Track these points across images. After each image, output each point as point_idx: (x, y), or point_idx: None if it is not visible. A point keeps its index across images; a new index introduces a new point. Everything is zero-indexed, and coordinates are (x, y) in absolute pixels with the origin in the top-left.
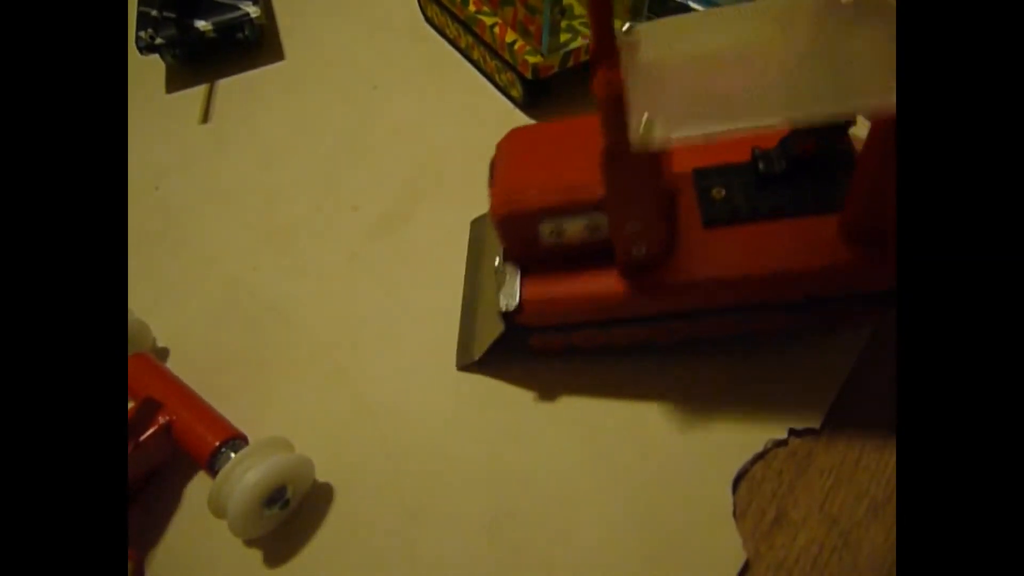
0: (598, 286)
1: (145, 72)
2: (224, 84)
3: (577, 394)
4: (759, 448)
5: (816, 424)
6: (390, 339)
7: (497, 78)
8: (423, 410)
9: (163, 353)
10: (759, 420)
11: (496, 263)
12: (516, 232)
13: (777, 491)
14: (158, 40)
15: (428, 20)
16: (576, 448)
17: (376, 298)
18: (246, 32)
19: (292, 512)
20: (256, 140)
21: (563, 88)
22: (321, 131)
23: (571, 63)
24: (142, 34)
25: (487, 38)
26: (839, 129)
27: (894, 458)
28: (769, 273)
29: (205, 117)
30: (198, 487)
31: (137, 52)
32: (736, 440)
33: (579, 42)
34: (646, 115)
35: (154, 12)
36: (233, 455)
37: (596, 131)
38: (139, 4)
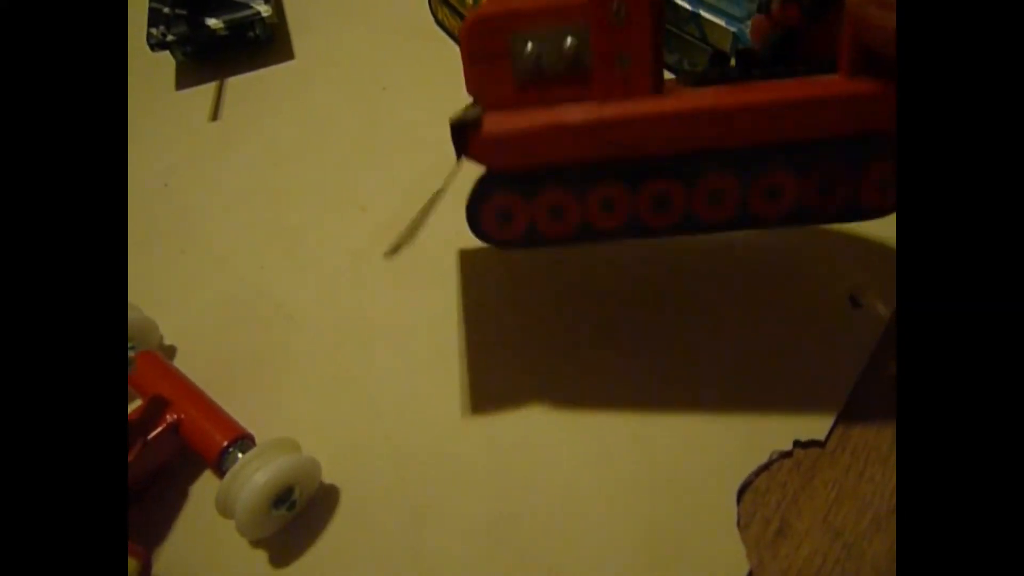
0: (573, 110)
1: (155, 68)
2: (234, 82)
3: (581, 401)
4: (764, 459)
5: (821, 436)
6: (397, 340)
7: None
8: (429, 412)
9: (170, 351)
10: (764, 431)
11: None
12: (486, 51)
13: (781, 502)
14: (169, 37)
15: (439, 22)
16: (580, 453)
17: (383, 299)
18: (257, 31)
19: (299, 513)
20: (265, 139)
21: None
22: (330, 131)
23: None
24: (153, 31)
25: None
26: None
27: (891, 462)
28: (767, 101)
29: (215, 115)
30: (205, 486)
31: (148, 48)
32: (741, 451)
33: None
34: None
35: (166, 9)
36: (241, 455)
37: None
38: (151, 0)
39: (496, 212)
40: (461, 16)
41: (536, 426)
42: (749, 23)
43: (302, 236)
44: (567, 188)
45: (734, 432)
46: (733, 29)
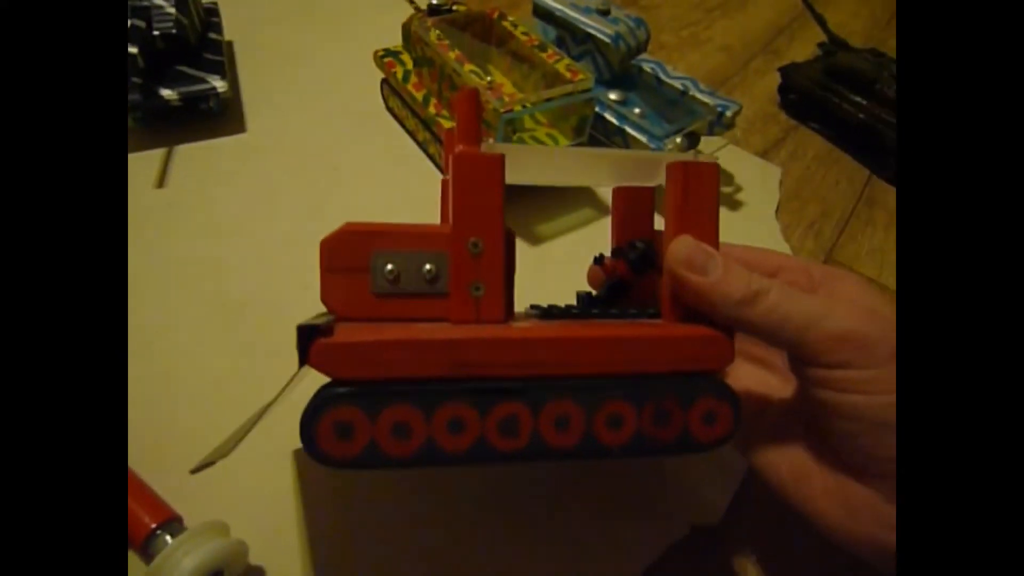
0: (427, 327)
1: None
2: (183, 150)
3: (492, 484)
4: (669, 541)
5: (715, 519)
6: None
7: None
8: (360, 494)
9: None
10: (664, 516)
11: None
12: (345, 265)
13: None
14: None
15: (389, 109)
16: (501, 533)
17: (320, 381)
18: (211, 104)
19: None
20: (211, 210)
21: (507, 194)
22: (277, 207)
23: None
24: None
25: (444, 139)
26: (647, 259)
27: (791, 544)
28: (603, 336)
29: (161, 182)
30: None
31: None
32: (643, 536)
33: None
34: (491, 140)
35: None
36: (169, 538)
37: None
38: None
39: (335, 426)
40: (411, 110)
41: (457, 511)
42: (667, 143)
43: (242, 312)
44: (414, 404)
45: (636, 518)
46: (653, 146)
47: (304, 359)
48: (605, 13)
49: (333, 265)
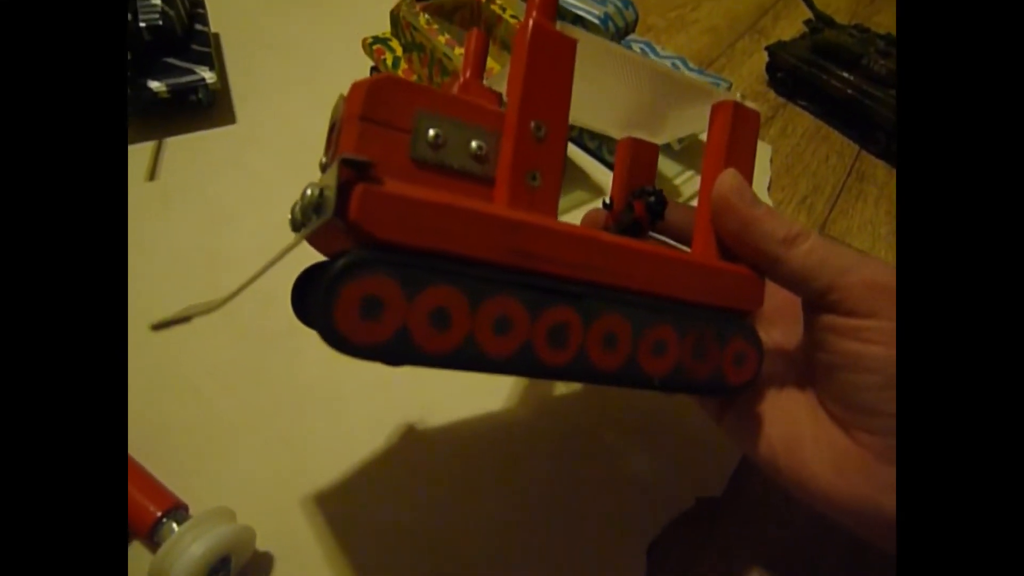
0: (479, 202)
1: None
2: (173, 142)
3: (495, 464)
4: (671, 515)
5: (718, 492)
6: (333, 409)
7: None
8: (363, 478)
9: None
10: (666, 491)
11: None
12: (384, 118)
13: (685, 556)
14: None
15: None
16: (506, 513)
17: (319, 368)
18: (199, 95)
19: None
20: (203, 202)
21: None
22: (269, 199)
23: None
24: None
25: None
26: (662, 204)
27: (790, 516)
28: (666, 253)
29: (152, 174)
30: (132, 556)
31: None
32: (650, 508)
33: None
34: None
35: None
36: (176, 525)
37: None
38: None
39: (363, 300)
40: None
41: (458, 488)
42: None
43: (237, 303)
44: (462, 288)
45: (643, 491)
46: None
47: (342, 209)
48: None
49: (371, 114)
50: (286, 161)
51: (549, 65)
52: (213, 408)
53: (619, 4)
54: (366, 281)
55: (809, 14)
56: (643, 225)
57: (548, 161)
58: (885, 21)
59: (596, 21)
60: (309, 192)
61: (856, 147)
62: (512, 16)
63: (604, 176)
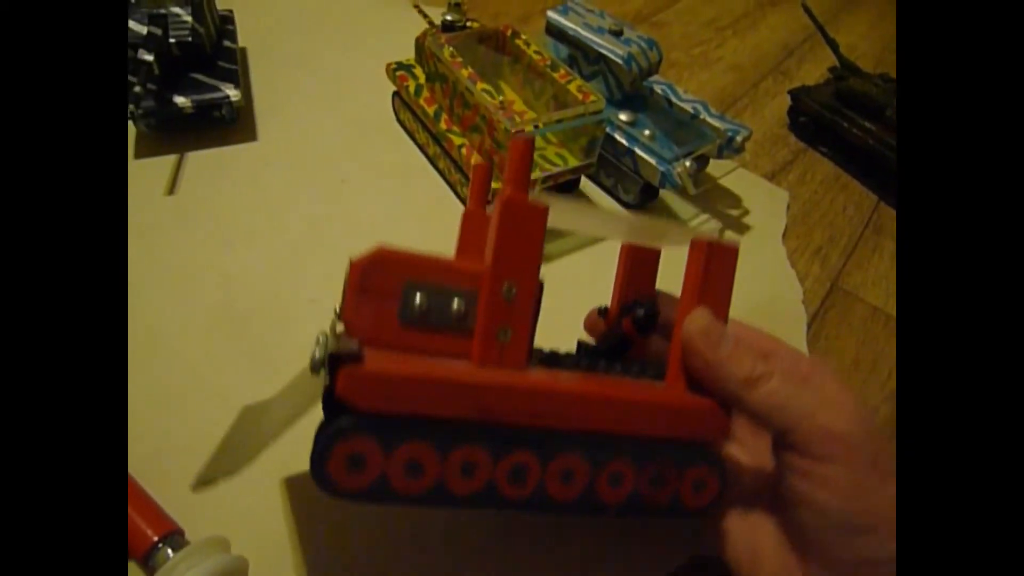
0: (454, 366)
1: None
2: (194, 156)
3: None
4: (666, 570)
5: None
6: None
7: (459, 190)
8: (361, 519)
9: None
10: (663, 545)
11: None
12: (376, 289)
13: None
14: (138, 112)
15: (400, 122)
16: (505, 559)
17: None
18: (223, 112)
19: None
20: (220, 218)
21: None
22: (286, 217)
23: None
24: None
25: (454, 155)
26: (652, 321)
27: None
28: (624, 397)
29: (172, 188)
30: None
31: None
32: (643, 562)
33: (536, 173)
34: (540, 187)
35: (137, 88)
36: (171, 551)
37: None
38: None
39: (348, 457)
40: (422, 123)
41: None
42: (676, 166)
43: (249, 323)
44: (431, 444)
45: (642, 545)
46: (661, 168)
47: (333, 387)
48: (618, 34)
49: (365, 287)
50: (304, 181)
51: (520, 233)
52: (215, 433)
53: (643, 45)
54: (351, 442)
55: (834, 59)
56: (632, 340)
57: (517, 318)
58: None
59: (620, 61)
60: (319, 354)
61: (875, 198)
62: (536, 52)
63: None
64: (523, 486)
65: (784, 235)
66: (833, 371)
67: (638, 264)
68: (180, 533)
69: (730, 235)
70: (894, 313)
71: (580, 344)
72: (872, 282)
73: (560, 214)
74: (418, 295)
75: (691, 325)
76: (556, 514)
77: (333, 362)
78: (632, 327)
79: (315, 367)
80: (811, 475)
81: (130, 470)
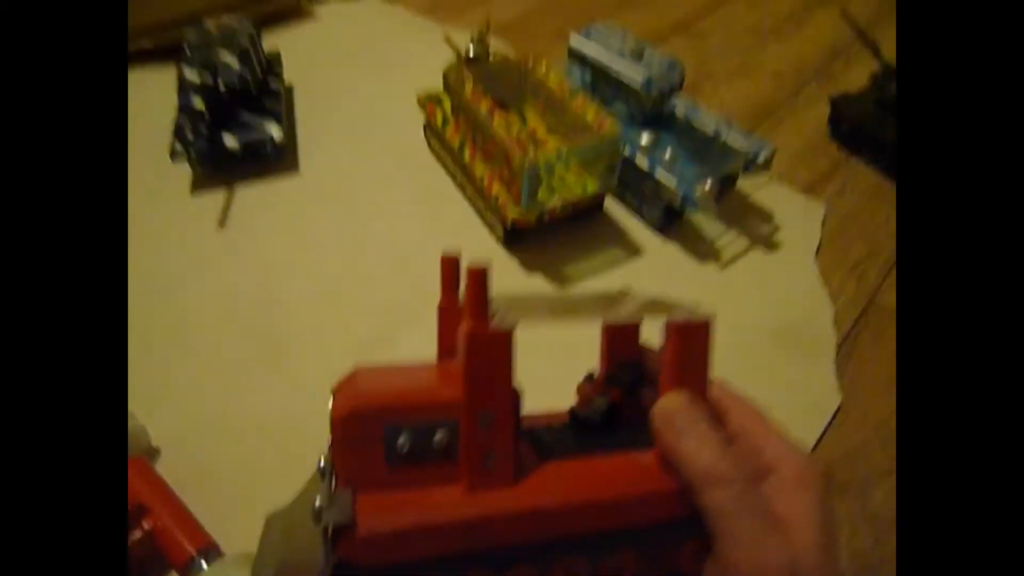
0: (444, 505)
1: (170, 173)
2: (242, 191)
3: None
4: None
5: None
6: None
7: (484, 217)
8: None
9: (154, 452)
10: None
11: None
12: (358, 439)
13: None
14: (192, 155)
15: (432, 150)
16: None
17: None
18: (267, 149)
19: None
20: (265, 250)
21: (539, 234)
22: (324, 247)
23: (547, 218)
24: (177, 147)
25: (477, 184)
26: (640, 382)
27: None
28: (610, 499)
29: (223, 221)
30: None
31: (168, 158)
32: None
33: (555, 200)
34: (503, 306)
35: (190, 133)
36: (205, 564)
37: (445, 368)
38: (178, 115)
39: None
40: (451, 153)
41: None
42: (696, 187)
43: (287, 350)
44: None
45: None
46: (681, 191)
47: (334, 553)
48: (639, 56)
49: (346, 439)
50: (342, 211)
51: (487, 361)
52: (254, 453)
53: (663, 67)
54: None
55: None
56: (621, 406)
57: (498, 443)
58: None
59: (638, 88)
60: (318, 503)
61: None
62: (555, 81)
63: (642, 234)
64: None
65: (818, 251)
66: (817, 484)
67: (617, 341)
68: (216, 547)
69: (759, 255)
70: None
71: (573, 416)
72: None
73: (529, 317)
74: (400, 437)
75: (657, 410)
76: None
77: (327, 533)
78: (621, 394)
79: (315, 517)
80: None
81: (173, 487)
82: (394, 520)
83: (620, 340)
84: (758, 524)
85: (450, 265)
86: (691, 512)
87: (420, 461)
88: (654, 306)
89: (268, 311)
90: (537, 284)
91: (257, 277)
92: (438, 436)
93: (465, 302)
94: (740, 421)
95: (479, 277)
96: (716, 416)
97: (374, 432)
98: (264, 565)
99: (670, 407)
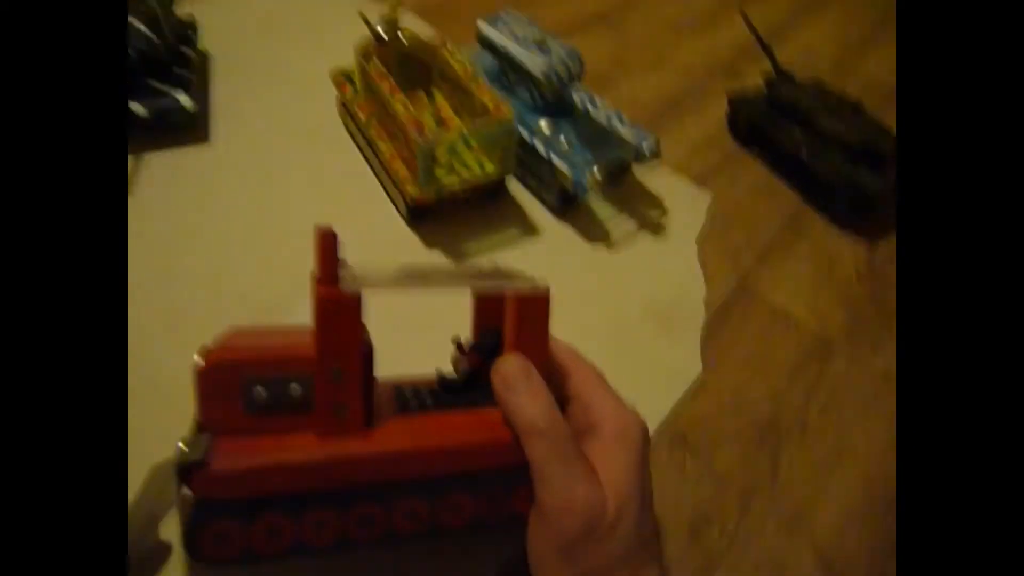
0: (294, 448)
1: None
2: (147, 158)
3: None
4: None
5: None
6: None
7: (389, 193)
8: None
9: None
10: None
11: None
12: (219, 391)
13: None
14: None
15: (345, 126)
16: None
17: None
18: (176, 118)
19: None
20: (169, 219)
21: (441, 213)
22: (230, 217)
23: (448, 197)
24: None
25: (383, 160)
26: (495, 351)
27: None
28: (447, 446)
29: (129, 190)
30: None
31: None
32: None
33: (454, 179)
34: (350, 271)
35: None
36: None
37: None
38: None
39: (215, 537)
40: (360, 130)
41: None
42: (587, 173)
43: (185, 317)
44: (284, 513)
45: None
46: (573, 176)
47: (186, 487)
48: (542, 45)
49: (208, 391)
50: (253, 182)
51: (337, 322)
52: (146, 415)
53: (563, 55)
54: (214, 526)
55: (784, 62)
56: (483, 370)
57: (349, 396)
58: (873, 69)
59: (538, 74)
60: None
61: (799, 202)
62: (460, 63)
63: (541, 215)
64: (372, 529)
65: (701, 236)
66: (634, 441)
67: (484, 310)
68: None
69: (643, 237)
70: (796, 314)
71: (439, 378)
72: (781, 283)
73: (380, 284)
74: (257, 389)
75: (495, 369)
76: (408, 542)
77: (182, 471)
78: (479, 360)
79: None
80: (531, 533)
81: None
82: (245, 460)
83: (486, 311)
84: (569, 471)
85: (326, 241)
86: (523, 461)
87: (278, 411)
88: (500, 277)
89: (167, 278)
90: (436, 259)
91: (159, 245)
92: (294, 388)
93: (315, 266)
94: (579, 383)
95: (327, 240)
96: (556, 377)
97: (233, 384)
98: (133, 507)
99: (506, 367)
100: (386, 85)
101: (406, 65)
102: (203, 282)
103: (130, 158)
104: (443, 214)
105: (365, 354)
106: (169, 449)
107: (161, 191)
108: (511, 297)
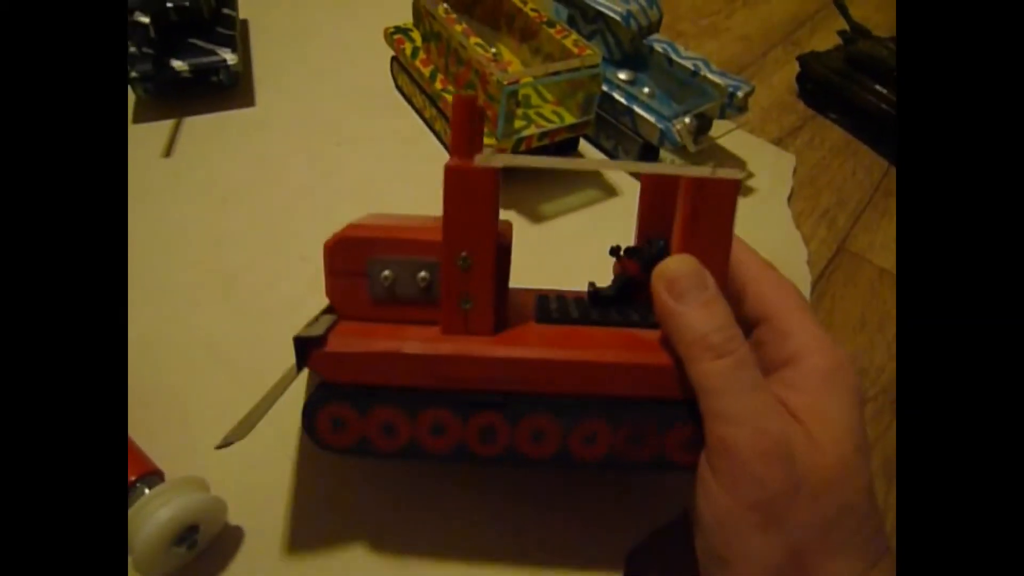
0: (414, 340)
1: None
2: (191, 122)
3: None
4: (653, 526)
5: None
6: None
7: None
8: (343, 463)
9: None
10: (656, 497)
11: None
12: (345, 269)
13: (665, 565)
14: (133, 74)
15: (398, 87)
16: (485, 513)
17: None
18: (221, 76)
19: (200, 552)
20: (215, 180)
21: (512, 172)
22: (281, 179)
23: (523, 148)
24: None
25: (450, 115)
26: (657, 257)
27: None
28: (586, 361)
29: (168, 151)
30: None
31: None
32: (634, 515)
33: (532, 129)
34: (491, 149)
35: (133, 48)
36: (148, 490)
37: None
38: None
39: (330, 420)
40: (419, 86)
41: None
42: (674, 123)
43: (238, 279)
44: (399, 408)
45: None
46: (660, 126)
47: (302, 364)
48: None
49: (334, 268)
50: (300, 146)
51: (469, 201)
52: (200, 381)
53: (643, 2)
54: (330, 408)
55: (846, 27)
56: (641, 283)
57: (477, 287)
58: None
59: (619, 19)
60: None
61: (885, 163)
62: (533, 9)
63: (616, 176)
64: (493, 444)
65: (790, 198)
66: (849, 383)
67: (659, 194)
68: (159, 474)
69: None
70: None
71: (590, 290)
72: (880, 245)
73: (521, 162)
74: (384, 271)
75: (659, 272)
76: (531, 468)
77: (299, 347)
78: (639, 270)
79: (296, 349)
80: (704, 489)
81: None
82: (362, 344)
83: (652, 215)
84: (756, 402)
85: (465, 106)
86: (684, 395)
87: (402, 300)
88: (670, 166)
89: (217, 241)
90: (511, 219)
91: (205, 207)
92: (421, 275)
93: (451, 134)
94: (773, 304)
95: (468, 106)
96: (739, 295)
97: (359, 263)
98: (246, 421)
99: (672, 269)
100: (460, 28)
101: (469, 12)
102: (253, 246)
103: (172, 121)
104: (513, 174)
105: (500, 247)
106: (223, 416)
107: (203, 153)
108: (686, 181)
